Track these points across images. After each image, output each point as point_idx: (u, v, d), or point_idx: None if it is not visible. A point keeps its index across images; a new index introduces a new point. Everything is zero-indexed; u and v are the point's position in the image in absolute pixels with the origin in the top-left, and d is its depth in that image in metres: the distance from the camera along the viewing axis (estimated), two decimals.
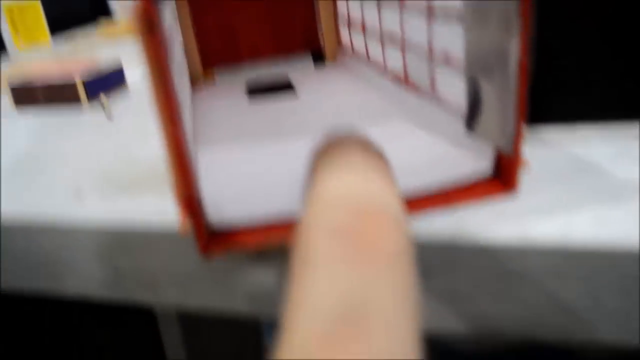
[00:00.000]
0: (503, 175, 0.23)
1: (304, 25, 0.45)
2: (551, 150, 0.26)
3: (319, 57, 0.45)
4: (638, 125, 0.28)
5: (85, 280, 0.26)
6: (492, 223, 0.21)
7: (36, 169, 0.32)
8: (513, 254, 0.20)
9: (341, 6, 0.42)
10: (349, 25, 0.41)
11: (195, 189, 0.20)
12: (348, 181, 0.15)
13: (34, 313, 0.41)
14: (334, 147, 0.18)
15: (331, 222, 0.14)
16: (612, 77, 0.28)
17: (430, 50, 0.28)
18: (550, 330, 0.20)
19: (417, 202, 0.22)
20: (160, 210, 0.24)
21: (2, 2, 0.73)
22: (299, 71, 0.44)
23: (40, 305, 0.32)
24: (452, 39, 0.25)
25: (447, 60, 0.27)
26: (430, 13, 0.27)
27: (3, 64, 0.75)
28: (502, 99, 0.22)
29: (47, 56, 0.77)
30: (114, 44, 0.79)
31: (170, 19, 0.30)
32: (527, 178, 0.24)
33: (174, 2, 0.39)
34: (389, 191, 0.15)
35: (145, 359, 0.70)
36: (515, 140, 0.22)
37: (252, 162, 0.27)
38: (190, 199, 0.19)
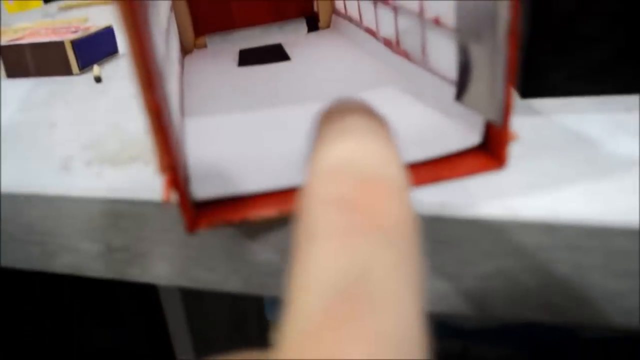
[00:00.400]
0: (492, 148, 0.23)
1: None
2: (544, 121, 0.26)
3: (313, 22, 0.44)
4: (635, 98, 0.27)
5: (76, 255, 0.26)
6: (478, 198, 0.20)
7: (25, 139, 0.31)
8: (500, 230, 0.19)
9: None
10: None
11: (179, 160, 0.20)
12: (348, 149, 0.15)
13: (32, 289, 0.41)
14: (335, 114, 0.17)
15: (330, 193, 0.13)
16: (609, 48, 0.27)
17: (422, 14, 0.27)
18: (540, 309, 0.20)
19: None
20: (148, 181, 0.24)
21: None
22: (293, 37, 0.43)
23: (37, 278, 0.32)
24: (443, 2, 0.25)
25: (438, 24, 0.26)
26: None
27: None
28: (492, 67, 0.21)
29: (38, 19, 0.76)
30: (109, 9, 0.78)
31: None
32: (518, 150, 0.23)
33: None
34: (390, 158, 0.15)
35: (147, 331, 0.71)
36: (505, 112, 0.21)
37: (240, 133, 0.27)
38: (173, 171, 0.19)
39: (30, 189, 0.25)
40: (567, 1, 0.26)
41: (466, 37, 0.23)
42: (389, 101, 0.28)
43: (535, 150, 0.23)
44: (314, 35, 0.43)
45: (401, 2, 0.30)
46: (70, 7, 0.83)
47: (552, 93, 0.28)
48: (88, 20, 0.69)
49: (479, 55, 0.22)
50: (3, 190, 0.26)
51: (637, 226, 0.18)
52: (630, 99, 0.27)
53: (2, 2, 0.74)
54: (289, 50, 0.40)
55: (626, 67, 0.27)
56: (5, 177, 0.27)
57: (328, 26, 0.44)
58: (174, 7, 0.41)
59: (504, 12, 0.20)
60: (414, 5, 0.28)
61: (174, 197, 0.19)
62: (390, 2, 0.31)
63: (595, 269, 0.19)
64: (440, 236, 0.20)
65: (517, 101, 0.29)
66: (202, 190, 0.21)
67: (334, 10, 0.43)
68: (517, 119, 0.26)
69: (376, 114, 0.17)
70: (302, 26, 0.44)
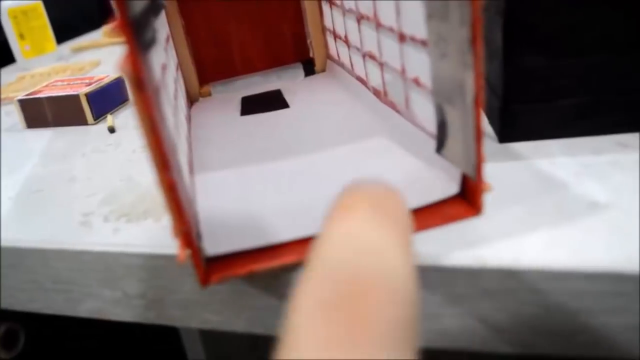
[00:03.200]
0: (469, 197, 0.25)
1: (294, 38, 0.47)
2: (518, 166, 0.28)
3: (309, 67, 0.47)
4: (602, 140, 0.30)
5: (98, 301, 0.29)
6: (452, 247, 0.23)
7: (47, 193, 0.35)
8: (472, 275, 0.22)
9: (327, 21, 0.44)
10: (335, 38, 0.43)
11: (191, 224, 0.22)
12: (351, 241, 0.15)
13: (59, 333, 0.44)
14: (349, 197, 0.17)
15: (321, 294, 0.13)
16: (576, 97, 0.30)
17: (404, 72, 0.30)
18: (511, 344, 0.23)
19: None
20: (161, 235, 0.27)
21: (7, 8, 0.75)
22: (291, 82, 0.46)
23: (64, 322, 0.35)
24: (421, 65, 0.27)
25: (418, 84, 0.28)
26: (401, 38, 0.29)
27: (11, 73, 0.78)
28: (464, 127, 0.24)
29: (52, 62, 0.79)
30: (118, 50, 0.82)
31: (163, 39, 0.32)
32: (492, 195, 0.26)
33: (165, 20, 0.41)
34: (394, 254, 0.14)
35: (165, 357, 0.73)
36: (477, 167, 0.23)
37: (245, 188, 0.29)
38: (187, 234, 0.21)
39: (56, 245, 0.28)
40: (536, 58, 0.29)
41: (441, 99, 0.26)
42: (378, 152, 0.31)
43: (507, 196, 0.26)
44: (310, 79, 0.46)
45: (386, 59, 0.32)
46: (81, 49, 0.87)
47: (526, 137, 0.31)
48: (99, 64, 0.73)
49: (452, 117, 0.25)
50: (32, 244, 0.29)
51: (596, 270, 0.21)
52: (598, 142, 0.30)
53: (19, 48, 0.77)
54: (287, 96, 0.43)
55: (592, 112, 0.30)
56: (34, 232, 0.30)
57: (323, 69, 0.47)
58: (179, 59, 0.45)
59: (470, 83, 0.22)
60: (397, 65, 0.31)
61: (187, 255, 0.22)
62: (377, 59, 0.34)
63: (557, 308, 0.21)
64: (419, 282, 0.23)
65: (495, 146, 0.31)
66: (212, 247, 0.24)
67: (328, 55, 0.46)
68: (494, 165, 0.29)
69: (393, 197, 0.17)
70: (300, 71, 0.47)
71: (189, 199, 0.25)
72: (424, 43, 0.26)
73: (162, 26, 0.33)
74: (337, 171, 0.29)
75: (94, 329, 0.33)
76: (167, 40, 0.37)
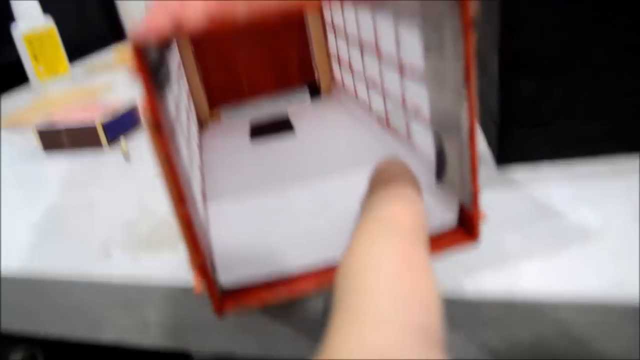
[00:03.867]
0: (466, 224, 0.26)
1: (300, 62, 0.48)
2: (514, 191, 0.30)
3: (314, 90, 0.48)
4: (596, 164, 0.31)
5: (117, 328, 0.30)
6: (450, 276, 0.24)
7: (67, 222, 0.36)
8: (469, 305, 0.23)
9: (332, 47, 0.46)
10: (340, 64, 0.44)
11: (207, 256, 0.24)
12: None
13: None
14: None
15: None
16: (572, 119, 0.31)
17: (404, 102, 0.31)
18: None
19: None
20: (177, 266, 0.28)
21: (22, 34, 0.78)
22: (297, 105, 0.48)
23: (83, 349, 0.36)
24: (420, 96, 0.28)
25: (418, 114, 0.30)
26: (401, 69, 0.30)
27: (26, 94, 0.80)
28: (460, 158, 0.25)
29: (67, 88, 0.82)
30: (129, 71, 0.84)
31: (175, 69, 0.33)
32: (488, 222, 0.27)
33: (176, 47, 0.43)
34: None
35: None
36: (474, 196, 0.24)
37: (256, 220, 0.30)
38: (202, 267, 0.23)
39: (78, 276, 0.30)
40: (531, 84, 0.30)
41: (439, 130, 0.27)
42: None
43: (503, 222, 0.27)
44: (317, 103, 0.47)
45: (388, 88, 0.34)
46: (94, 70, 0.89)
47: (522, 160, 0.32)
48: (112, 86, 0.75)
49: (450, 147, 0.26)
50: (55, 274, 0.30)
51: (588, 300, 0.22)
52: (593, 166, 0.31)
53: (34, 71, 0.80)
54: (295, 120, 0.44)
55: (586, 136, 0.31)
56: (57, 262, 0.31)
57: (329, 92, 0.48)
58: (190, 84, 0.46)
59: (465, 117, 0.23)
60: (398, 94, 0.32)
61: (203, 286, 0.23)
62: (379, 87, 0.35)
63: (552, 336, 0.23)
64: None
65: (493, 169, 0.32)
66: (227, 279, 0.25)
67: (334, 79, 0.48)
68: (490, 190, 0.30)
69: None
70: (306, 95, 0.48)
71: (203, 230, 0.26)
72: (422, 75, 0.27)
73: (173, 55, 0.35)
74: (343, 199, 0.31)
75: (110, 353, 0.35)
76: (179, 67, 0.38)
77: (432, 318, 0.16)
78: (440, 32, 0.24)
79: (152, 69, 0.20)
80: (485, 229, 0.26)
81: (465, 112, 0.23)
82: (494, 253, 0.25)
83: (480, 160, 0.33)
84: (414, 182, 0.23)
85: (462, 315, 0.23)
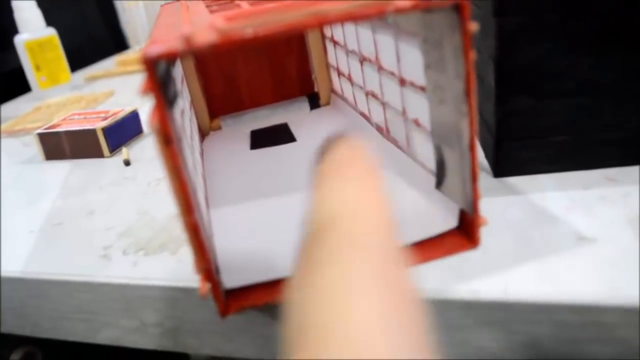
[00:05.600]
0: (467, 230, 0.27)
1: (299, 73, 0.49)
2: (511, 200, 0.30)
3: (314, 101, 0.49)
4: (592, 175, 0.32)
5: (116, 329, 0.31)
6: (447, 278, 0.25)
7: (68, 226, 0.37)
8: (466, 307, 0.24)
9: (331, 58, 0.46)
10: (339, 75, 0.45)
11: (211, 259, 0.24)
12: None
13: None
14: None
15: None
16: (566, 134, 0.32)
17: (404, 113, 0.32)
18: None
19: None
20: (176, 268, 0.29)
21: (24, 41, 0.78)
22: (297, 115, 0.48)
23: (84, 349, 0.37)
24: (420, 108, 0.29)
25: (418, 125, 0.30)
26: (401, 82, 0.31)
27: (27, 103, 0.81)
28: (461, 167, 0.26)
29: (67, 92, 0.82)
30: (130, 79, 0.85)
31: (179, 82, 0.34)
32: (485, 229, 0.28)
33: (179, 61, 0.43)
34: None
35: None
36: (474, 203, 0.25)
37: (257, 225, 0.31)
38: (208, 271, 0.23)
39: (79, 278, 0.30)
40: (527, 99, 0.31)
41: (440, 141, 0.28)
42: None
43: (500, 230, 0.28)
44: (315, 113, 0.48)
45: (388, 100, 0.34)
46: (95, 78, 0.90)
47: (519, 172, 0.33)
48: (113, 94, 0.75)
49: (450, 157, 0.27)
50: (56, 277, 0.31)
51: (581, 302, 0.22)
52: (587, 176, 0.31)
53: (35, 80, 0.80)
54: (294, 129, 0.45)
55: (581, 149, 0.32)
56: (58, 265, 0.32)
57: (328, 103, 0.49)
58: (191, 94, 0.47)
59: (466, 130, 0.24)
60: (398, 106, 0.33)
61: (208, 290, 0.24)
62: (379, 98, 0.36)
63: (546, 338, 0.23)
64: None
65: (490, 180, 0.33)
66: (231, 280, 0.26)
67: (333, 90, 0.49)
68: (488, 199, 0.31)
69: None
70: (305, 104, 0.49)
71: (208, 236, 0.27)
72: (422, 89, 0.28)
73: (178, 68, 0.35)
74: None
75: (109, 353, 0.35)
76: (182, 81, 0.39)
77: (419, 327, 0.16)
78: (441, 50, 0.25)
79: (161, 84, 0.21)
80: (483, 235, 0.27)
81: (466, 126, 0.24)
82: (490, 257, 0.26)
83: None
84: (372, 166, 0.22)
85: (458, 317, 0.24)
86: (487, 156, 0.35)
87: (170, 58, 0.19)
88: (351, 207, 0.18)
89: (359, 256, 0.16)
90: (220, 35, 0.19)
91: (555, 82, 0.30)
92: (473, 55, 0.22)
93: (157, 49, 0.19)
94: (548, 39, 0.30)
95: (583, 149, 0.32)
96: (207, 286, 0.23)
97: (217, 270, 0.26)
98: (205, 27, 0.22)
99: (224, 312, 0.25)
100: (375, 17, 0.21)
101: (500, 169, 0.33)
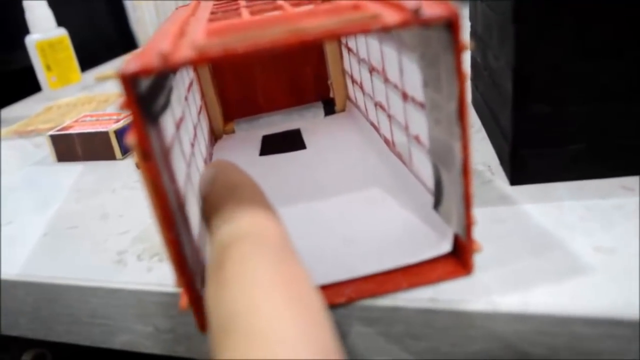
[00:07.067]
0: (460, 255, 0.26)
1: (315, 79, 0.49)
2: (527, 211, 0.30)
3: (329, 107, 0.49)
4: (608, 184, 0.31)
5: (131, 335, 0.31)
6: (464, 293, 0.24)
7: (81, 230, 0.37)
8: (483, 319, 0.23)
9: (347, 64, 0.46)
10: (353, 82, 0.45)
11: (194, 276, 0.24)
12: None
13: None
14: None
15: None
16: (582, 142, 0.31)
17: (407, 128, 0.32)
18: None
19: (385, 281, 0.25)
20: None
21: (35, 42, 0.79)
22: (311, 121, 0.48)
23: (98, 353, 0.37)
24: (421, 125, 0.28)
25: (419, 142, 0.30)
26: (404, 96, 0.31)
27: (38, 103, 0.81)
28: (455, 191, 0.25)
29: (77, 92, 0.83)
30: None
31: (181, 94, 0.34)
32: (502, 243, 0.27)
33: (190, 70, 0.43)
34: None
35: None
36: (467, 229, 0.24)
37: None
38: (188, 286, 0.23)
39: (93, 283, 0.30)
40: (543, 106, 0.31)
41: (437, 160, 0.27)
42: (379, 203, 0.32)
43: (515, 239, 0.27)
44: (330, 119, 0.48)
45: (393, 113, 0.34)
46: (105, 78, 0.90)
47: (535, 180, 0.33)
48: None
49: (446, 178, 0.26)
50: (70, 281, 0.31)
51: (597, 315, 0.22)
52: (603, 185, 0.31)
53: (46, 80, 0.81)
54: (307, 135, 0.45)
55: (598, 156, 0.31)
56: (72, 269, 0.32)
57: (343, 109, 0.49)
58: (205, 99, 0.47)
59: (458, 153, 0.23)
60: (402, 120, 0.32)
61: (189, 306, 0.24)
62: (386, 110, 0.36)
63: (562, 350, 0.23)
64: (434, 324, 0.24)
65: (507, 188, 0.33)
66: None
67: (348, 96, 0.48)
68: (503, 208, 0.31)
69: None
70: (320, 110, 0.49)
71: (196, 249, 0.26)
72: (422, 105, 0.27)
73: (182, 79, 0.35)
74: (338, 220, 0.31)
75: (117, 358, 0.35)
76: (190, 87, 0.39)
77: (327, 334, 0.17)
78: (437, 69, 0.24)
79: (143, 100, 0.21)
80: (499, 245, 0.27)
81: (458, 149, 0.23)
82: (505, 272, 0.25)
83: (489, 179, 0.34)
84: (255, 184, 0.25)
85: (473, 329, 0.24)
86: (502, 163, 0.35)
87: (147, 75, 0.19)
88: (249, 225, 0.21)
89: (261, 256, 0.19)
90: (197, 52, 0.20)
91: (573, 88, 0.30)
92: (466, 75, 0.22)
93: (133, 66, 0.19)
94: (566, 45, 0.29)
95: (600, 157, 0.31)
96: (186, 300, 0.23)
97: (204, 283, 0.26)
98: (188, 42, 0.22)
99: (202, 327, 0.24)
100: (360, 34, 0.21)
101: (516, 177, 0.33)
